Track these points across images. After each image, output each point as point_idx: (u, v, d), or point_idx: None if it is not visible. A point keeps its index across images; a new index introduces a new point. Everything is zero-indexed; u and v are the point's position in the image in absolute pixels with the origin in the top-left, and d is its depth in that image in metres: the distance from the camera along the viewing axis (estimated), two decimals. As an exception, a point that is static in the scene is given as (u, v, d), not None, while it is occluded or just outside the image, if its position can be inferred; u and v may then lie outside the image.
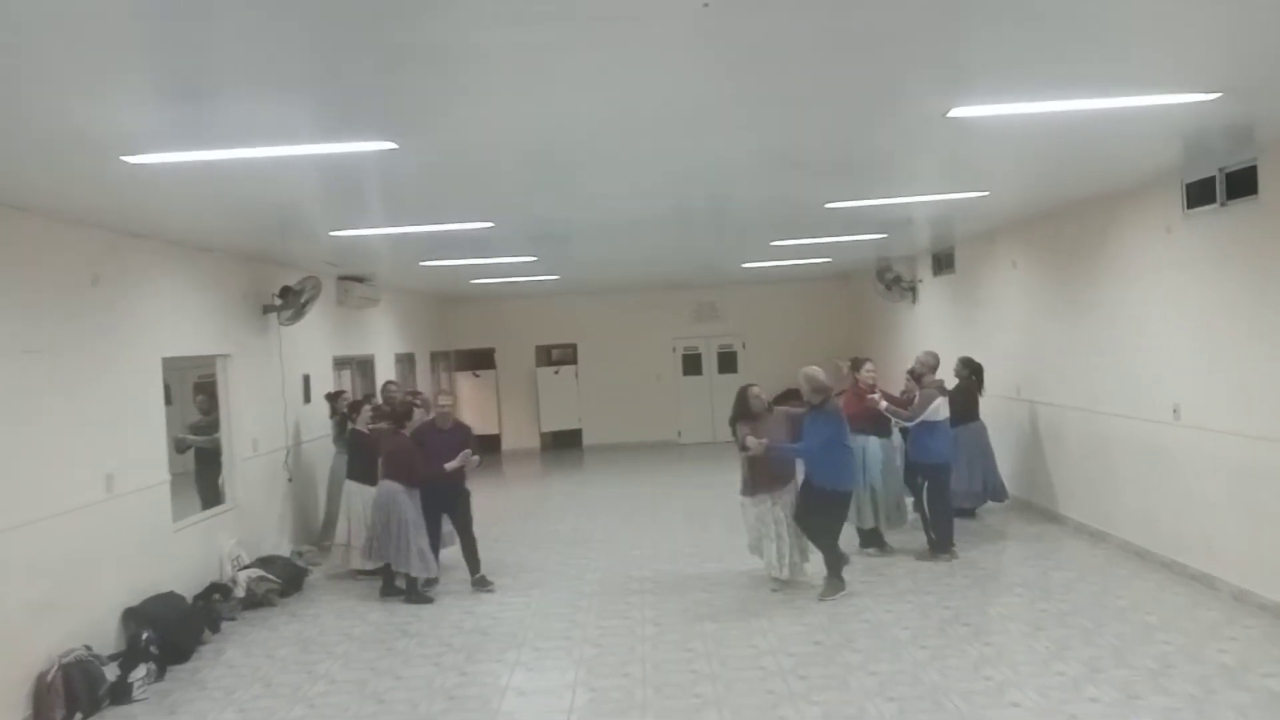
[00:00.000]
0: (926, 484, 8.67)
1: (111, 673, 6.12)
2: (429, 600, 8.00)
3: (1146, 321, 7.97)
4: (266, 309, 9.57)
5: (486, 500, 12.92)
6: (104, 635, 6.43)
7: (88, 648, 6.11)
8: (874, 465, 8.73)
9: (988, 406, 10.48)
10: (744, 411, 7.91)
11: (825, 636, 6.66)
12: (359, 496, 8.87)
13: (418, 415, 8.80)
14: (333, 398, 10.56)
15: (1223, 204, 6.78)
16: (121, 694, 6.10)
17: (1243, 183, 6.58)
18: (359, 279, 12.08)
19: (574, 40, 3.52)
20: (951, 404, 9.96)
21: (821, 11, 3.36)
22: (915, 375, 9.00)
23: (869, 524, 8.79)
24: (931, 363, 9.05)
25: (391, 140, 4.79)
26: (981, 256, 11.62)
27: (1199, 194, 7.05)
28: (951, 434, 8.81)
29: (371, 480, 8.83)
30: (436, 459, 8.10)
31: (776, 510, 7.69)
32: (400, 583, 8.16)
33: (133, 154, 4.73)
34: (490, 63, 3.72)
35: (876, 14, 3.41)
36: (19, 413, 5.84)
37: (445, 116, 4.48)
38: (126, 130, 4.37)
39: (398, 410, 8.54)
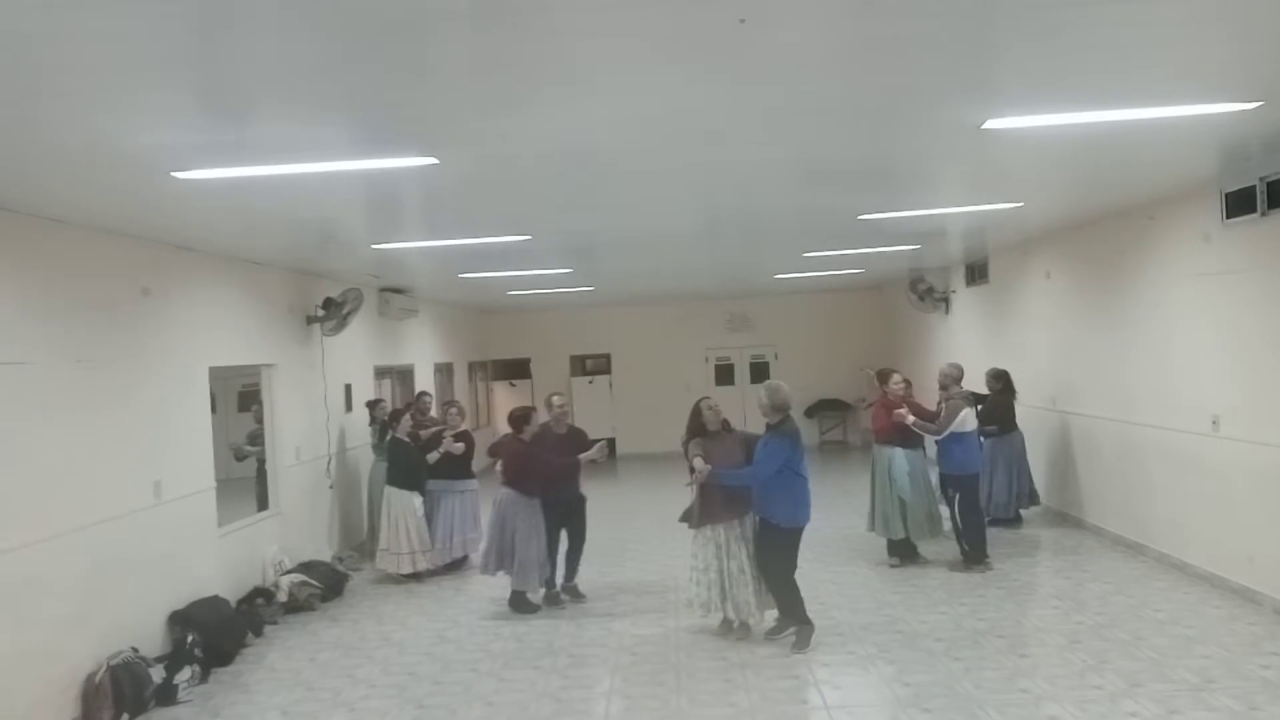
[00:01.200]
0: (958, 496, 8.62)
1: (157, 675, 6.27)
2: (535, 608, 7.91)
3: (1184, 332, 7.89)
4: (310, 320, 9.76)
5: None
6: (150, 638, 6.60)
7: (134, 650, 6.27)
8: (900, 476, 8.70)
9: (1020, 416, 10.41)
10: (697, 428, 6.97)
11: (859, 647, 6.65)
12: (399, 502, 9.11)
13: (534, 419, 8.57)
14: (372, 405, 10.71)
15: (1263, 213, 6.71)
16: (167, 696, 6.25)
17: (1284, 192, 6.51)
18: (399, 290, 12.27)
19: (611, 55, 3.60)
20: (987, 416, 9.97)
21: (856, 23, 3.41)
22: (942, 386, 8.99)
23: (898, 534, 8.77)
24: (955, 374, 8.98)
25: (433, 155, 4.91)
26: (1015, 267, 11.56)
27: (1238, 203, 6.98)
28: (979, 444, 8.79)
29: (412, 486, 9.16)
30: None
31: (731, 545, 6.77)
32: (534, 596, 8.01)
33: (183, 170, 4.89)
34: (529, 78, 3.82)
35: (911, 25, 3.45)
36: (72, 420, 6.03)
37: (485, 132, 4.58)
38: (177, 147, 4.52)
39: (515, 415, 8.12)
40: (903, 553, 8.83)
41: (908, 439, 8.75)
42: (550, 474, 7.87)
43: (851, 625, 7.15)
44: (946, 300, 14.33)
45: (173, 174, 4.92)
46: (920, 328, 15.70)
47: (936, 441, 8.61)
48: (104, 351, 6.40)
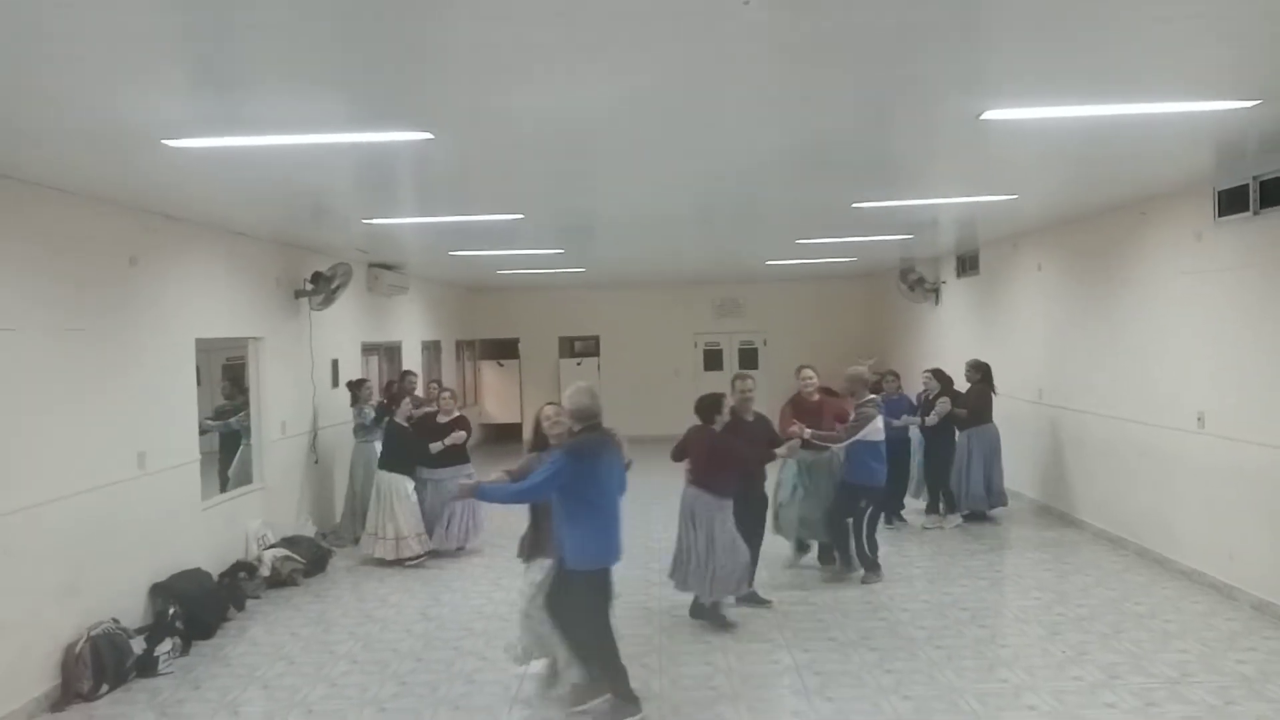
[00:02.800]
0: (870, 507, 8.02)
1: (138, 646, 6.26)
2: (732, 625, 6.86)
3: (1172, 329, 7.93)
4: (298, 294, 9.70)
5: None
6: (132, 609, 6.57)
7: (115, 621, 6.25)
8: (786, 482, 8.26)
9: (1008, 409, 10.45)
10: (539, 440, 5.84)
11: (841, 633, 6.69)
12: (390, 486, 8.95)
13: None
14: (356, 385, 10.50)
15: (1256, 212, 6.73)
16: (148, 667, 6.23)
17: (1277, 191, 6.53)
18: (389, 267, 12.20)
19: (611, 35, 3.56)
20: (965, 407, 9.98)
21: (859, 11, 3.38)
22: (849, 393, 8.05)
23: (791, 537, 8.45)
24: (864, 377, 8.13)
25: (427, 130, 4.86)
26: (1006, 259, 11.58)
27: (1231, 201, 7.01)
28: (883, 454, 7.93)
29: (408, 472, 8.96)
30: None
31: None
32: (723, 600, 7.03)
33: (174, 138, 4.82)
34: (528, 56, 3.78)
35: (912, 14, 3.43)
36: (56, 389, 5.97)
37: (481, 109, 4.54)
38: (168, 115, 4.46)
39: (706, 402, 7.05)
40: (804, 550, 8.58)
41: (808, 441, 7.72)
42: (749, 469, 7.14)
43: (834, 612, 7.18)
44: (937, 291, 14.36)
45: (164, 142, 4.86)
46: (910, 318, 15.73)
47: (847, 450, 7.83)
48: (90, 321, 6.33)
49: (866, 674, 5.93)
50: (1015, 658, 6.13)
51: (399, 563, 8.88)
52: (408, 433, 9.18)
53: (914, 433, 10.20)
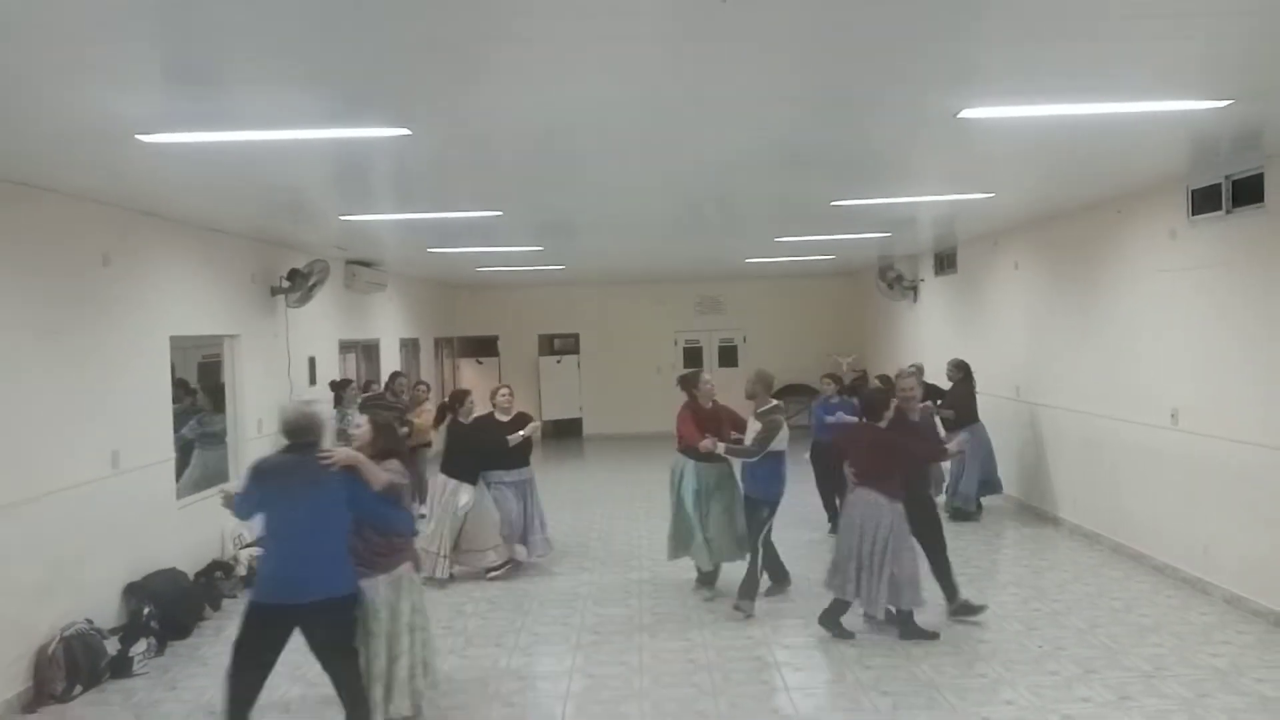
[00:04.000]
0: (770, 519, 7.17)
1: (112, 646, 6.19)
2: (934, 635, 6.42)
3: (1147, 326, 8.01)
4: (274, 291, 9.61)
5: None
6: (106, 609, 6.49)
7: (89, 621, 6.17)
8: (688, 495, 7.43)
9: (986, 406, 10.52)
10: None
11: (821, 630, 6.71)
12: (450, 493, 8.13)
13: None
14: (340, 386, 10.18)
15: (1228, 211, 6.81)
16: (122, 667, 6.17)
17: (1249, 190, 6.61)
18: (366, 264, 12.13)
19: (588, 32, 3.55)
20: (950, 407, 9.92)
21: (837, 10, 3.39)
22: (749, 395, 7.34)
23: (706, 565, 7.53)
24: (767, 380, 7.34)
25: (405, 127, 4.83)
26: (984, 257, 11.66)
27: (1204, 201, 7.08)
28: (785, 466, 7.22)
29: (471, 478, 8.17)
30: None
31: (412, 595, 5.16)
32: (879, 616, 6.44)
33: (148, 133, 4.76)
34: (505, 52, 3.76)
35: (890, 12, 3.44)
36: (29, 388, 5.89)
37: (459, 104, 4.51)
38: (142, 109, 4.40)
39: (875, 398, 6.80)
40: (709, 581, 7.64)
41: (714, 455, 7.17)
42: (919, 467, 6.74)
43: (812, 608, 7.19)
44: (915, 289, 14.44)
45: (137, 137, 4.79)
46: (888, 316, 15.82)
47: (744, 461, 7.17)
48: (62, 318, 6.25)
49: (847, 670, 5.95)
50: (993, 653, 6.17)
51: (479, 573, 8.14)
52: (474, 434, 8.34)
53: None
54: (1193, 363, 7.36)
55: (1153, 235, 7.87)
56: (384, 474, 4.76)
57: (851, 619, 6.55)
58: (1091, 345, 8.96)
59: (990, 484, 10.21)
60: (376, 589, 4.91)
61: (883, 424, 6.53)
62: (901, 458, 6.44)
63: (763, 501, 7.10)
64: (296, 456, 4.68)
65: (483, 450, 8.23)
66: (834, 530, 9.04)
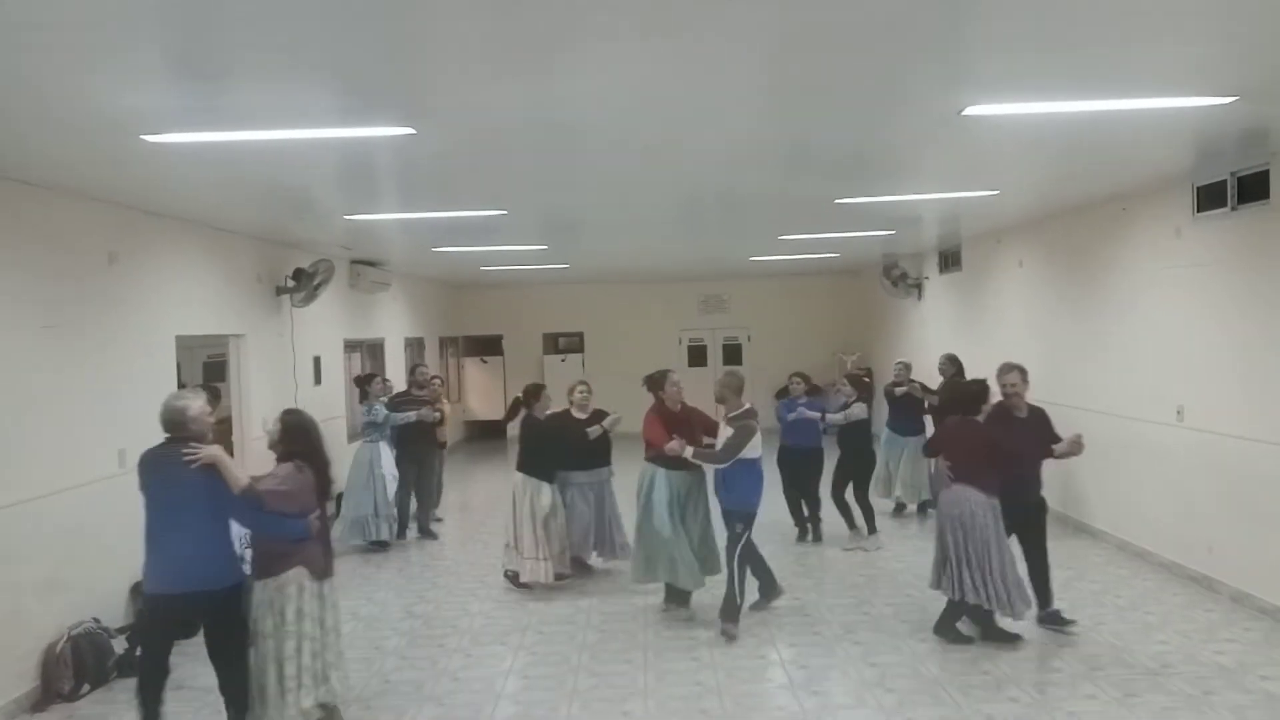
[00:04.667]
0: (745, 533, 6.65)
1: (120, 645, 6.20)
2: (1015, 638, 6.26)
3: (1152, 323, 7.99)
4: (279, 290, 9.64)
5: (498, 485, 12.99)
6: (113, 608, 6.51)
7: (96, 620, 6.19)
8: (659, 506, 6.88)
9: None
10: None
11: (825, 628, 6.72)
12: (533, 493, 7.68)
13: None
14: (365, 381, 9.88)
15: (1233, 208, 6.80)
16: (129, 667, 6.16)
17: (1254, 187, 6.60)
18: (371, 263, 12.15)
19: (595, 29, 3.55)
20: (943, 405, 9.42)
21: (842, 7, 3.38)
22: (719, 399, 6.85)
23: (670, 580, 6.98)
24: (736, 382, 6.86)
25: (410, 126, 4.84)
26: (988, 255, 11.64)
27: (1209, 197, 7.07)
28: (762, 475, 6.69)
29: (548, 476, 7.72)
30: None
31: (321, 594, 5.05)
32: (1019, 617, 6.24)
33: (154, 133, 4.78)
34: (511, 51, 3.76)
35: (895, 10, 3.44)
36: (36, 387, 5.91)
37: (464, 103, 4.52)
38: (148, 110, 4.41)
39: (972, 390, 6.56)
40: (683, 600, 7.07)
41: (675, 458, 6.71)
42: (1029, 466, 6.40)
43: (818, 606, 7.21)
44: (919, 286, 14.42)
45: (143, 137, 4.81)
46: (893, 314, 15.80)
47: (720, 471, 6.63)
48: (69, 317, 6.27)
49: (851, 668, 5.96)
50: (997, 650, 6.17)
51: (527, 587, 7.74)
52: (553, 431, 7.88)
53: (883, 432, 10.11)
54: (1197, 360, 7.35)
55: (1158, 232, 7.85)
56: (243, 477, 4.74)
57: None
58: (1096, 343, 8.95)
59: None
60: (263, 591, 4.90)
61: (979, 418, 6.35)
62: (997, 455, 6.14)
63: (736, 513, 6.59)
64: (174, 449, 4.73)
65: (562, 447, 7.78)
66: (801, 538, 9.11)
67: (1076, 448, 6.27)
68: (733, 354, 18.74)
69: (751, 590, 6.94)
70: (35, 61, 3.68)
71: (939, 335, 13.42)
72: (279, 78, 4.02)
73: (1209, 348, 7.21)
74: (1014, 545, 6.37)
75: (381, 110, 4.63)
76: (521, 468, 7.82)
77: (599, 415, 7.98)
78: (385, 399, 9.76)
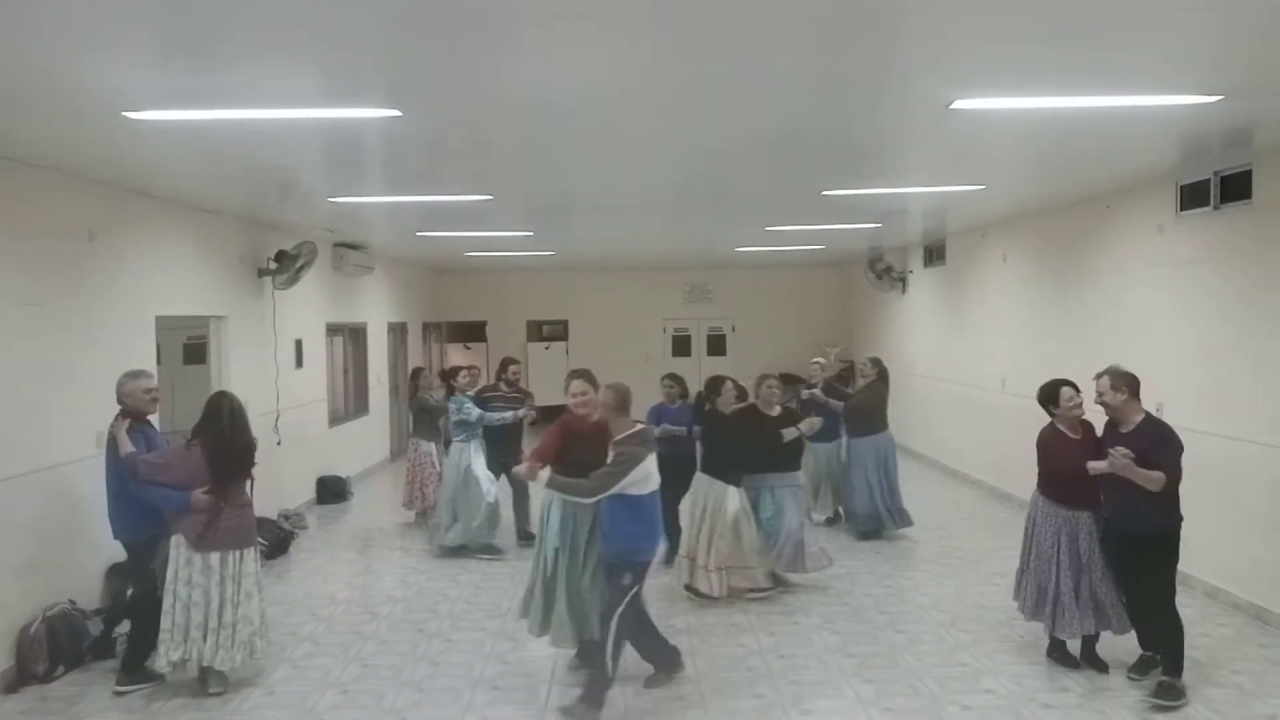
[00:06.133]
0: (636, 587, 5.25)
1: (95, 627, 6.15)
2: (1103, 668, 5.65)
3: (1134, 320, 8.05)
4: (261, 272, 9.56)
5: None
6: (89, 590, 6.46)
7: (72, 602, 6.14)
8: (548, 539, 5.56)
9: (973, 398, 10.56)
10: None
11: (805, 617, 6.75)
12: (716, 497, 7.02)
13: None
14: (449, 375, 9.17)
15: (1216, 207, 6.85)
16: (105, 648, 6.13)
17: (1237, 186, 6.65)
18: (355, 246, 12.07)
19: (583, 14, 3.53)
20: (856, 410, 8.89)
21: (833, -2, 3.39)
22: (612, 407, 5.38)
23: (567, 644, 5.63)
24: (617, 397, 5.37)
25: (395, 108, 4.79)
26: (973, 250, 11.69)
27: (1193, 196, 7.12)
28: (655, 515, 5.38)
29: (737, 479, 7.04)
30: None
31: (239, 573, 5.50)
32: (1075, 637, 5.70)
33: (135, 110, 4.72)
34: (498, 33, 3.73)
35: (884, 1, 3.44)
36: (12, 366, 5.84)
37: (451, 86, 4.48)
38: (129, 86, 4.36)
39: (1045, 393, 5.86)
40: (587, 659, 5.57)
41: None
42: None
43: (797, 595, 7.23)
44: (904, 280, 14.47)
45: (124, 114, 4.75)
46: (877, 307, 15.86)
47: (601, 506, 5.29)
48: (47, 295, 6.19)
49: (830, 658, 5.99)
50: (975, 643, 6.22)
51: (740, 594, 7.06)
52: (739, 428, 7.17)
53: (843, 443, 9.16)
54: (1177, 358, 7.41)
55: (1141, 230, 7.90)
56: (128, 446, 5.53)
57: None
58: (1078, 339, 9.00)
59: (897, 512, 8.92)
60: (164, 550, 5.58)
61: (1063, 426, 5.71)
62: (1068, 468, 5.56)
63: (619, 564, 5.20)
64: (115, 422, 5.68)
65: (750, 447, 7.08)
66: (669, 562, 7.21)
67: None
68: (717, 344, 18.77)
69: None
70: (14, 36, 3.62)
71: (923, 329, 13.48)
72: (263, 56, 3.98)
73: (1189, 345, 7.27)
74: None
75: (367, 91, 4.59)
76: (704, 469, 7.24)
77: (791, 414, 7.48)
78: (472, 393, 8.92)
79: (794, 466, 7.44)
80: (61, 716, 5.32)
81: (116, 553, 6.76)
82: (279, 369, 9.92)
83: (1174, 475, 5.37)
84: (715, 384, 7.44)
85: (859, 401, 9.11)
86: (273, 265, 9.62)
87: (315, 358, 11.22)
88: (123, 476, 5.53)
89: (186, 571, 5.43)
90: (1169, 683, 5.23)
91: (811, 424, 7.38)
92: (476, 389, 9.07)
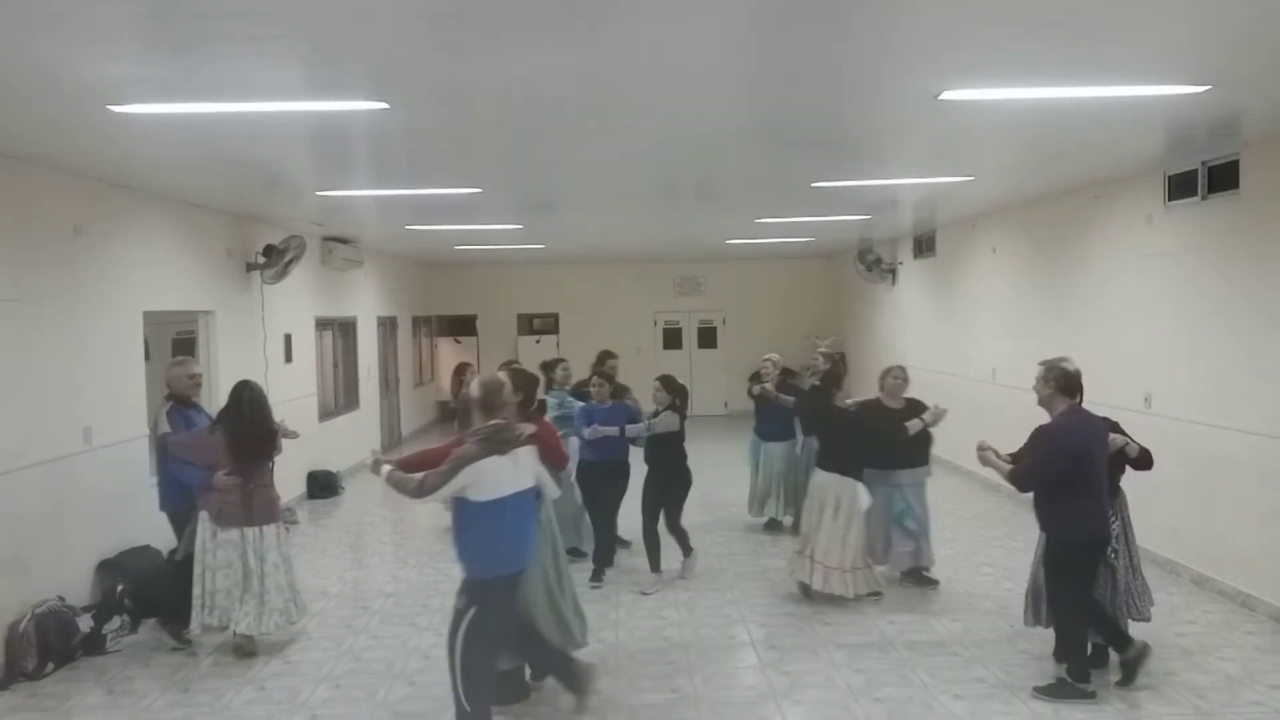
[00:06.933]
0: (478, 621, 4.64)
1: (85, 624, 6.13)
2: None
3: (1122, 310, 8.08)
4: (250, 266, 9.52)
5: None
6: (79, 587, 6.44)
7: (61, 599, 6.11)
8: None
9: (963, 389, 10.57)
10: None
11: (796, 608, 6.75)
12: (845, 492, 6.65)
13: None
14: (549, 367, 8.45)
15: (1204, 197, 6.88)
16: (95, 645, 6.12)
17: (1224, 176, 6.67)
18: (343, 240, 12.02)
19: (573, 5, 3.51)
20: (804, 407, 8.15)
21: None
22: (475, 402, 4.62)
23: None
24: (478, 397, 4.59)
25: (382, 100, 4.77)
26: (962, 241, 11.71)
27: (1180, 186, 7.15)
28: (505, 525, 4.54)
29: (859, 474, 6.72)
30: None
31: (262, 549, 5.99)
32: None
33: (120, 103, 4.68)
34: (486, 23, 3.71)
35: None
36: (-2, 361, 5.81)
37: (439, 77, 4.46)
38: (114, 79, 4.32)
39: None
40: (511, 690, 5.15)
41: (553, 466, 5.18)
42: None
43: (790, 585, 7.24)
44: (894, 272, 14.50)
45: (109, 107, 4.71)
46: (868, 298, 15.88)
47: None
48: (32, 290, 6.15)
49: (821, 648, 6.00)
50: (965, 632, 6.24)
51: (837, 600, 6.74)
52: (861, 421, 6.89)
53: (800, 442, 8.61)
54: (1166, 347, 7.44)
55: (1129, 220, 7.92)
56: (164, 426, 6.22)
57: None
58: (1067, 329, 9.03)
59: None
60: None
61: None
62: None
63: (463, 581, 4.63)
64: None
65: (876, 441, 6.78)
66: (596, 580, 7.23)
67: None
68: (707, 337, 18.78)
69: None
70: (-3, 27, 3.59)
71: (913, 320, 13.51)
72: (248, 49, 3.94)
73: (1177, 336, 7.30)
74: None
75: (353, 84, 4.56)
76: (821, 464, 6.89)
77: (915, 405, 7.04)
78: (568, 387, 8.33)
79: (923, 461, 7.16)
80: (52, 714, 5.29)
81: (106, 549, 6.77)
82: (268, 364, 9.88)
83: (1020, 470, 5.38)
84: (835, 376, 7.12)
85: (813, 399, 8.12)
86: (261, 260, 9.58)
87: (305, 352, 11.18)
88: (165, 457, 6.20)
89: (212, 545, 5.95)
90: (1063, 681, 5.20)
91: (936, 413, 6.83)
92: (573, 383, 8.43)
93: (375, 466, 4.75)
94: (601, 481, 7.44)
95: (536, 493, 4.79)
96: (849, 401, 7.11)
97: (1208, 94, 4.98)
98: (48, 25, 3.58)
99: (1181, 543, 7.32)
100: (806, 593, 6.86)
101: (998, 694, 5.26)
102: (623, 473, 7.46)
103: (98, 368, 6.85)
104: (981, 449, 5.50)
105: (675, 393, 7.48)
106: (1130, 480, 7.90)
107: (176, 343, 9.53)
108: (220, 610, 5.95)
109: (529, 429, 4.79)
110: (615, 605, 6.94)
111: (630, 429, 7.35)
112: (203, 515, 5.99)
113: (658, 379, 7.60)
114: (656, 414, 7.44)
